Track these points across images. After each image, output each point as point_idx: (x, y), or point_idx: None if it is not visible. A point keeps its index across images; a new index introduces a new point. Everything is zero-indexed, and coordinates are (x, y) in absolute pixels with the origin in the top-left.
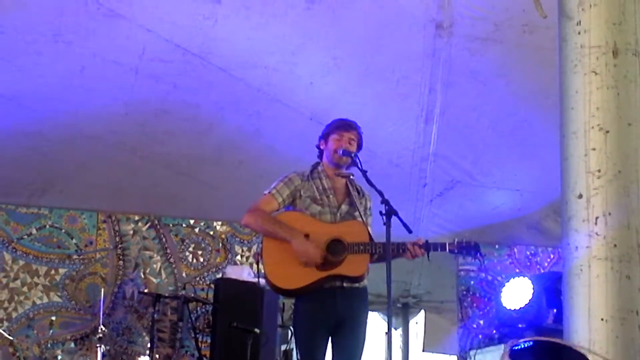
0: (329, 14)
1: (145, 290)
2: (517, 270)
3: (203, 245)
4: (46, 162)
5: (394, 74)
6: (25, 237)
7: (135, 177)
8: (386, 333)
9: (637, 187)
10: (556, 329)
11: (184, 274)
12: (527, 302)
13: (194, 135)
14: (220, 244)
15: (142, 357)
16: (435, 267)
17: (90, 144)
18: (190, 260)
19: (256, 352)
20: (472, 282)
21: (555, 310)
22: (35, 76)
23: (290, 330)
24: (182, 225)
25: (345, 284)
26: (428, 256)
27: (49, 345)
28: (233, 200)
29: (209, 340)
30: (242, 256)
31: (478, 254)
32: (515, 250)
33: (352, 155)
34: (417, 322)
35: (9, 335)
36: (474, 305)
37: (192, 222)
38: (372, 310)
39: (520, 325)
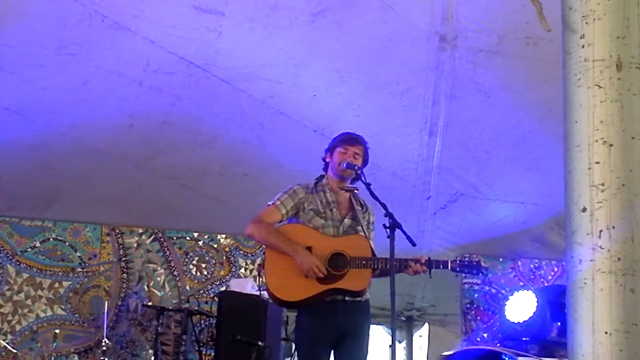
0: (333, 27)
1: (149, 303)
2: (521, 284)
3: (207, 258)
4: (50, 175)
5: (398, 86)
6: (29, 250)
7: (139, 189)
8: (390, 346)
9: None
10: (560, 342)
11: (187, 287)
12: (531, 315)
13: (198, 147)
14: (224, 257)
15: None
16: (439, 281)
17: (94, 156)
18: (194, 273)
19: None
20: (476, 295)
21: (559, 324)
22: (39, 88)
23: (294, 343)
24: (186, 238)
25: (347, 298)
26: (430, 274)
27: (52, 359)
28: (237, 213)
29: (212, 354)
30: (245, 269)
31: (480, 272)
32: (519, 263)
33: (356, 168)
34: (421, 335)
35: (13, 348)
36: (478, 318)
37: (196, 235)
38: (376, 323)
39: (524, 339)
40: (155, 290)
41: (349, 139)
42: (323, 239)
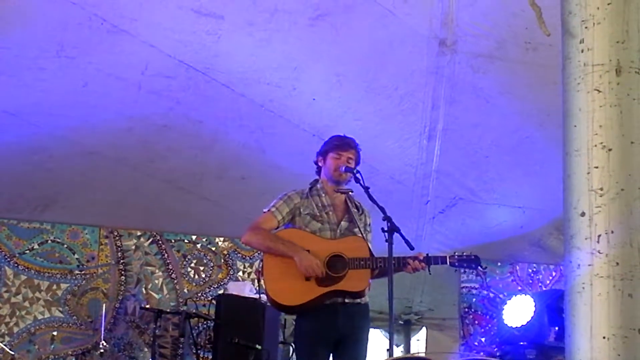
0: (332, 31)
1: (147, 306)
2: (519, 288)
3: (205, 261)
4: (48, 177)
5: (397, 90)
6: (27, 252)
7: (137, 192)
8: (388, 350)
9: None
10: (558, 347)
11: (185, 290)
12: (529, 319)
13: (197, 151)
14: (222, 260)
15: None
16: (437, 284)
17: (93, 159)
18: (192, 276)
19: None
20: (474, 300)
21: (557, 328)
22: (38, 91)
23: (292, 346)
24: (184, 241)
25: (346, 300)
26: (429, 270)
27: None
28: (235, 216)
29: (210, 357)
30: (243, 272)
31: (478, 266)
32: (517, 267)
33: (354, 171)
34: (419, 339)
35: (10, 350)
36: (476, 322)
37: (194, 238)
38: (374, 327)
39: (521, 343)
40: (153, 293)
41: (342, 145)
42: (320, 242)
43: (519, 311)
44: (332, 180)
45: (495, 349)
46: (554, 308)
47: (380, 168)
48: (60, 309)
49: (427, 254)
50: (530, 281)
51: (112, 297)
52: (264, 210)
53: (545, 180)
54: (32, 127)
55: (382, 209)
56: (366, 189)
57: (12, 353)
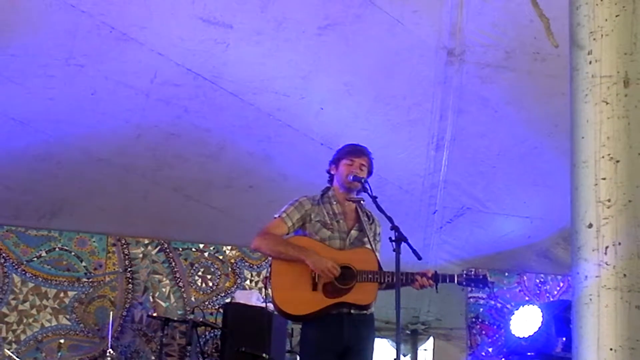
0: (340, 40)
1: (154, 314)
2: (527, 298)
3: (212, 269)
4: (56, 185)
5: (405, 100)
6: (35, 259)
7: (145, 200)
8: None
9: None
10: (565, 358)
11: (192, 298)
12: (536, 330)
13: (205, 159)
14: (230, 269)
15: None
16: (445, 294)
17: (101, 167)
18: (199, 284)
19: None
20: (481, 310)
21: (564, 339)
22: (47, 99)
23: (298, 355)
24: (191, 249)
25: (352, 311)
26: (436, 288)
27: None
28: (243, 224)
29: None
30: (251, 281)
31: (486, 286)
32: (525, 278)
33: (362, 181)
34: (426, 349)
35: (17, 357)
36: (483, 332)
37: (201, 246)
38: (381, 337)
39: (529, 354)
40: (160, 301)
41: (354, 151)
42: (330, 251)
43: (526, 321)
44: (344, 187)
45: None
46: (562, 319)
47: (388, 177)
48: (68, 316)
49: (436, 272)
50: (538, 291)
51: (120, 305)
52: (275, 216)
53: (552, 190)
54: (41, 134)
55: (389, 219)
56: (374, 198)
57: None
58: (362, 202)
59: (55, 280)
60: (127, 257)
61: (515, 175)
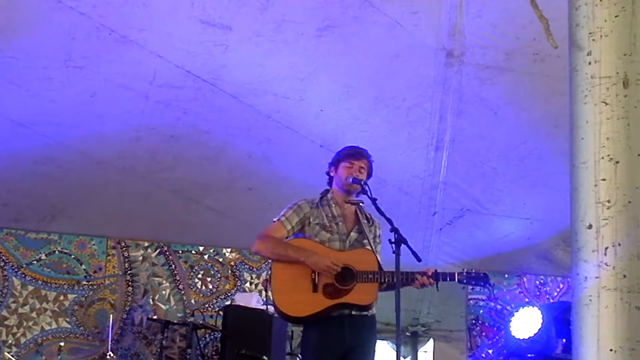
0: (340, 42)
1: (154, 317)
2: (527, 300)
3: (212, 272)
4: (56, 187)
5: (405, 102)
6: (35, 262)
7: (145, 203)
8: None
9: None
10: (565, 359)
11: (192, 301)
12: (536, 331)
13: (204, 161)
14: (230, 271)
15: None
16: (445, 296)
17: (100, 169)
18: (199, 287)
19: None
20: (481, 311)
21: (564, 340)
22: (46, 101)
23: (299, 357)
24: (191, 252)
25: (353, 312)
26: (437, 286)
27: None
28: (242, 227)
29: None
30: (251, 283)
31: (487, 284)
32: (525, 279)
33: (362, 183)
34: (426, 351)
35: None
36: (483, 334)
37: (201, 248)
38: (381, 339)
39: (529, 355)
40: (160, 304)
41: (354, 153)
42: (329, 253)
43: (526, 323)
44: (343, 189)
45: None
46: (562, 320)
47: (387, 179)
48: (68, 319)
49: (436, 270)
50: (538, 293)
51: (120, 308)
52: (274, 219)
53: (552, 192)
54: (40, 137)
55: (389, 221)
56: (374, 200)
57: None
58: (361, 204)
59: (55, 283)
60: (126, 259)
61: (515, 177)
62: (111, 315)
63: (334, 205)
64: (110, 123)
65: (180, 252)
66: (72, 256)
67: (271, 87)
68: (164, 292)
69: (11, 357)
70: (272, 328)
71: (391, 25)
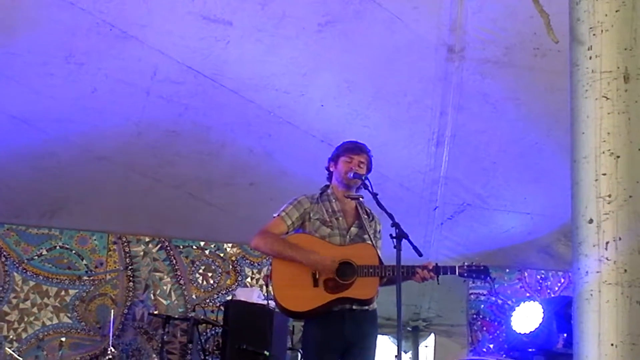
0: (340, 37)
1: (155, 312)
2: (528, 295)
3: (213, 267)
4: (57, 183)
5: (406, 97)
6: (36, 257)
7: (146, 198)
8: (396, 356)
9: None
10: (566, 354)
11: (194, 296)
12: (537, 326)
13: (205, 156)
14: (231, 266)
15: None
16: (446, 291)
17: (101, 165)
18: (200, 282)
19: None
20: (482, 306)
21: (565, 335)
22: (47, 97)
23: (300, 352)
24: (192, 247)
25: (354, 307)
26: (437, 280)
27: None
28: (243, 222)
29: None
30: (252, 278)
31: (488, 277)
32: (526, 274)
33: (362, 178)
34: (427, 346)
35: (19, 356)
36: (484, 329)
37: (202, 244)
38: (382, 334)
39: (530, 350)
40: (161, 299)
41: (354, 148)
42: (330, 248)
43: (527, 318)
44: (343, 184)
45: (504, 356)
46: (563, 315)
47: (388, 174)
48: (69, 314)
49: (436, 264)
50: (539, 288)
51: (121, 303)
52: (274, 215)
53: (553, 186)
54: (41, 132)
55: (390, 216)
56: (374, 195)
57: (20, 359)
58: (361, 199)
59: (56, 279)
60: (128, 255)
61: (516, 171)
62: (112, 311)
63: (334, 200)
64: (111, 119)
65: (181, 247)
66: (73, 251)
67: (272, 82)
68: (165, 287)
69: (12, 353)
70: (273, 323)
71: (392, 21)
